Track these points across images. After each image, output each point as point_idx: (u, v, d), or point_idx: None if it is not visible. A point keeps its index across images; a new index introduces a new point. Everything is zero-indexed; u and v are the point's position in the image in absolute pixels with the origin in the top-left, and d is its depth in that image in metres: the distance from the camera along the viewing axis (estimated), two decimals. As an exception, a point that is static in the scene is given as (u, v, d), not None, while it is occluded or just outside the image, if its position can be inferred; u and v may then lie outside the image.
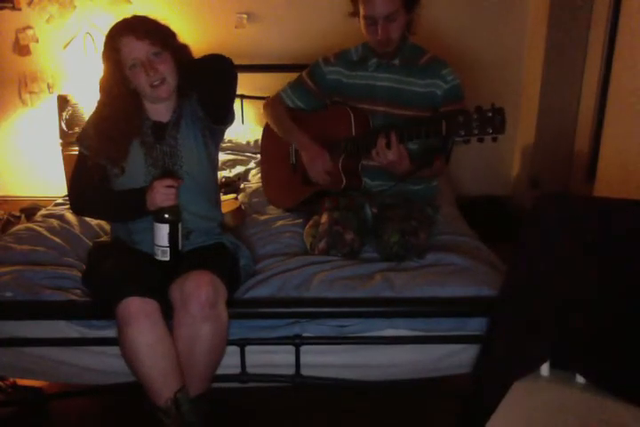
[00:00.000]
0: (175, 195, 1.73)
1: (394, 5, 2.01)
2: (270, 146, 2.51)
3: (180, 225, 1.76)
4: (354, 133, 2.13)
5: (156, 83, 1.75)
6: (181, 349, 1.64)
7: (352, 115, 2.13)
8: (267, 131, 2.52)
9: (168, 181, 1.73)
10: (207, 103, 1.85)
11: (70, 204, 1.98)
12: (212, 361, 1.67)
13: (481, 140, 1.82)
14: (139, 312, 1.59)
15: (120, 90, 1.77)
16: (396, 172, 2.07)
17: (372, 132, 2.11)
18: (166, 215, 1.72)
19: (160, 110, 1.86)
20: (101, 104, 1.82)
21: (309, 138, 2.23)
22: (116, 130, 1.79)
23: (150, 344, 1.59)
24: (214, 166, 1.98)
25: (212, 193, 1.99)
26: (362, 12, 2.05)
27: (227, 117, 1.92)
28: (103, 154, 1.81)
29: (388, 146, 1.95)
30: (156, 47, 1.73)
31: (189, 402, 1.62)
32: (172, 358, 1.62)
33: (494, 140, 1.81)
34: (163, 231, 1.73)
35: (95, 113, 1.85)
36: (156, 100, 1.82)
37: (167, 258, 1.76)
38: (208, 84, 1.81)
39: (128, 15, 1.81)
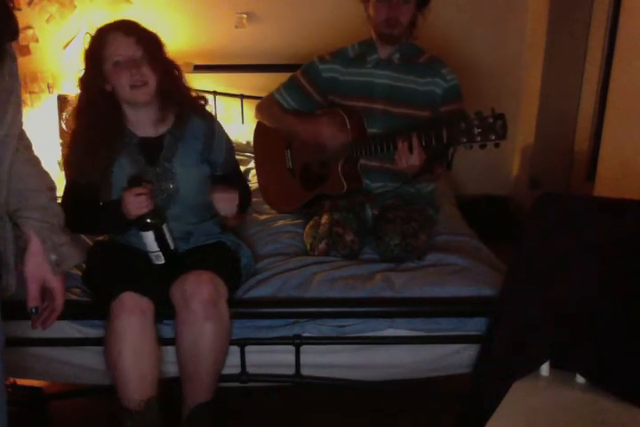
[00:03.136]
0: (148, 201, 1.71)
1: None
2: (264, 150, 2.49)
3: (164, 227, 1.74)
4: (350, 137, 2.12)
5: (137, 84, 1.72)
6: (186, 350, 1.65)
7: (347, 119, 2.11)
8: (258, 134, 2.50)
9: (136, 190, 1.71)
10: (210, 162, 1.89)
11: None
12: (216, 362, 1.67)
13: (483, 147, 1.81)
14: (134, 307, 1.60)
15: (99, 89, 1.74)
16: (410, 173, 2.04)
17: (372, 136, 2.11)
18: (147, 221, 1.71)
19: (143, 122, 1.82)
20: (79, 109, 1.79)
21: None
22: (95, 139, 1.76)
23: (138, 339, 1.59)
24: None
25: (209, 201, 1.93)
26: None
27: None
28: (84, 168, 1.77)
29: (410, 150, 1.92)
30: (142, 49, 1.71)
31: (157, 410, 1.61)
32: (154, 361, 1.62)
33: (497, 146, 1.80)
34: (149, 238, 1.73)
35: (74, 125, 1.82)
36: (134, 104, 1.78)
37: (162, 261, 1.76)
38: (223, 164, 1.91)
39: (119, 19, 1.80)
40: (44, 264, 1.30)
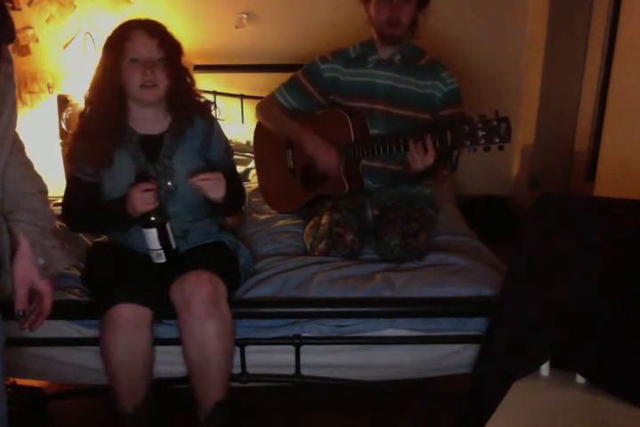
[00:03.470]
0: (154, 197, 1.71)
1: None
2: (264, 150, 2.49)
3: (167, 225, 1.75)
4: (353, 138, 2.11)
5: (147, 84, 1.74)
6: (191, 351, 1.65)
7: (349, 119, 2.12)
8: (258, 134, 2.49)
9: (144, 186, 1.71)
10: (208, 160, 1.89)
11: (66, 222, 1.92)
12: (222, 361, 1.67)
13: (487, 150, 1.81)
14: (130, 318, 1.60)
15: (111, 81, 1.74)
16: (416, 174, 2.03)
17: (374, 137, 2.10)
18: (152, 218, 1.72)
19: (146, 120, 1.83)
20: (88, 101, 1.82)
21: (313, 133, 2.18)
22: (98, 131, 1.77)
23: (132, 345, 1.60)
24: None
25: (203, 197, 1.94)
26: None
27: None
28: (87, 159, 1.78)
29: (424, 150, 1.90)
30: (162, 53, 1.73)
31: (148, 413, 1.64)
32: (147, 365, 1.65)
33: (501, 148, 1.80)
34: (152, 235, 1.73)
35: (80, 116, 1.86)
36: (141, 102, 1.80)
37: (163, 260, 1.76)
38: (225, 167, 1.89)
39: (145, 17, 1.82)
40: (33, 268, 1.30)
